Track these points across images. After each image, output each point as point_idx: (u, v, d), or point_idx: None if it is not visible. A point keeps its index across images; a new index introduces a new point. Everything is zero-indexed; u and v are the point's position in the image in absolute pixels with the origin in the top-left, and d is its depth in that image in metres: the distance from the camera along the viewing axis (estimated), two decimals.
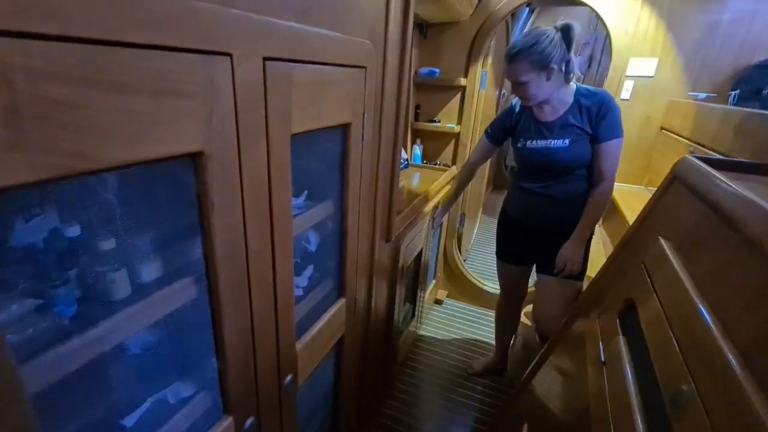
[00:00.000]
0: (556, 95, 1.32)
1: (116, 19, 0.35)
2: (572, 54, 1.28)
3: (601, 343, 0.79)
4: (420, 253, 1.83)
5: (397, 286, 1.50)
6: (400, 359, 1.87)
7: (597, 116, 1.27)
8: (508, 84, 3.37)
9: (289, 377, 0.78)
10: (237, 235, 0.56)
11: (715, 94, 1.73)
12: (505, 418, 1.30)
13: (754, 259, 0.49)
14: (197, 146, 0.46)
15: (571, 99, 1.31)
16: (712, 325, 0.49)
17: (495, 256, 1.69)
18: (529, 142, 1.38)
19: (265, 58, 0.54)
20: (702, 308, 0.53)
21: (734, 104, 1.54)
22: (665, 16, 1.78)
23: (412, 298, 1.97)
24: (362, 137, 0.91)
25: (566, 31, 1.25)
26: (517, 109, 1.46)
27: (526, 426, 1.03)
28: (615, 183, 1.32)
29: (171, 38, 0.40)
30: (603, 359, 0.74)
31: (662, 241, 0.75)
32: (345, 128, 0.84)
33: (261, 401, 0.71)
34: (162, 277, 0.53)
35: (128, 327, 0.48)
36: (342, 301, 1.00)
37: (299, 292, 0.91)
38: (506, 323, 1.86)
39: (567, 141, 1.31)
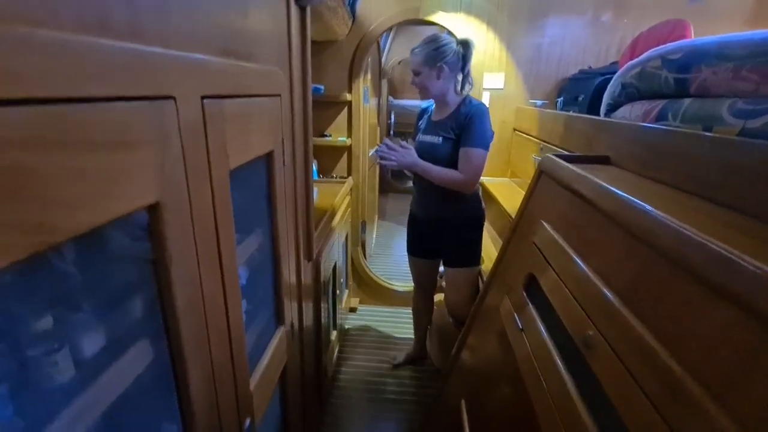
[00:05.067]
0: (449, 98, 1.52)
1: (71, 74, 0.32)
2: (469, 67, 1.50)
3: (515, 313, 0.96)
4: (335, 266, 1.87)
5: (321, 302, 1.51)
6: (330, 373, 1.87)
7: (463, 123, 1.46)
8: (385, 96, 3.60)
9: (248, 421, 0.75)
10: (194, 284, 0.53)
11: (547, 101, 2.19)
12: (441, 400, 1.43)
13: (613, 229, 0.67)
14: (154, 197, 0.43)
15: (456, 105, 1.51)
16: (596, 281, 0.67)
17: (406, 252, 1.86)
18: (421, 137, 1.58)
19: (203, 97, 0.52)
20: (586, 269, 0.70)
21: (561, 109, 1.98)
22: (504, 39, 2.18)
23: (332, 311, 1.99)
24: (283, 162, 0.91)
25: (465, 45, 1.47)
26: (425, 110, 1.65)
27: (463, 402, 1.17)
28: (481, 179, 1.52)
29: (124, 87, 0.37)
30: (520, 326, 0.91)
31: (545, 223, 0.94)
32: (269, 156, 0.84)
33: None
34: (113, 348, 0.47)
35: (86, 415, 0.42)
36: (281, 330, 0.99)
37: None
38: (422, 311, 2.03)
39: (440, 138, 1.50)
